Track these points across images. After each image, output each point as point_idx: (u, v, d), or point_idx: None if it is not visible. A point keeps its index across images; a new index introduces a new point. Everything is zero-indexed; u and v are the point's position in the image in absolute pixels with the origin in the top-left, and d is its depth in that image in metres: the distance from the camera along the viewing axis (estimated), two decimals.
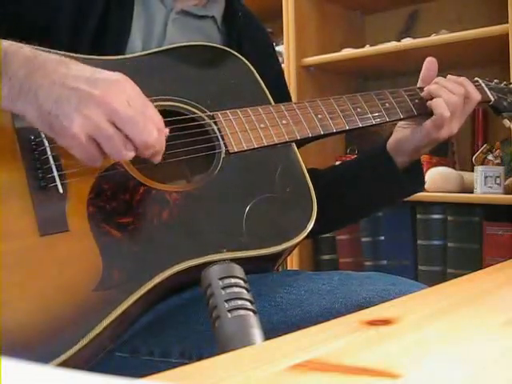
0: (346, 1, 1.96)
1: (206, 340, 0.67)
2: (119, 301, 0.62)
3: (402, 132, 0.91)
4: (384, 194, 0.95)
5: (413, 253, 1.72)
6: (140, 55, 0.81)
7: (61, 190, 0.67)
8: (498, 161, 1.60)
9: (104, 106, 0.61)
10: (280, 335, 0.39)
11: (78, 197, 0.67)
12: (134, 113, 0.62)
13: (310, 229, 0.72)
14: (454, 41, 1.54)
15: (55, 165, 0.68)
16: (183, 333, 0.71)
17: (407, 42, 1.67)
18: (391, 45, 1.69)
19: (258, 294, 0.65)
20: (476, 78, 0.94)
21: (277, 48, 1.27)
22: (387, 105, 0.87)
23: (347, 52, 1.80)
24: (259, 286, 0.72)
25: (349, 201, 0.96)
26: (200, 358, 0.67)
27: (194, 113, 0.77)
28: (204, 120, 0.77)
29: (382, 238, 1.79)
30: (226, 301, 0.48)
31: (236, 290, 0.49)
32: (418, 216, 1.69)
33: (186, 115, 0.77)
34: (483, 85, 0.94)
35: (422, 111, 0.88)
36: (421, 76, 0.93)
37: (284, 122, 0.80)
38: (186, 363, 0.34)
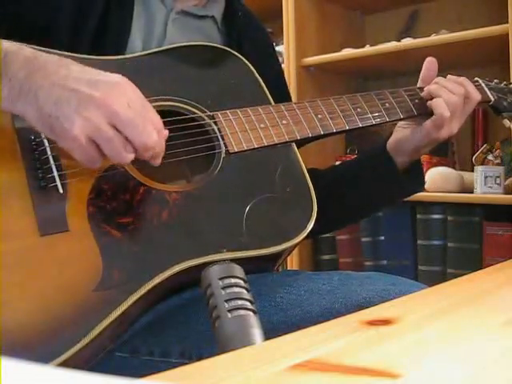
0: (346, 1, 1.96)
1: (206, 340, 0.67)
2: (119, 301, 0.62)
3: (402, 132, 0.91)
4: (384, 194, 0.95)
5: (413, 253, 1.72)
6: (140, 55, 0.81)
7: (61, 190, 0.67)
8: (498, 161, 1.60)
9: (104, 108, 0.61)
10: (280, 335, 0.39)
11: (78, 197, 0.67)
12: (133, 115, 0.62)
13: (310, 229, 0.72)
14: (454, 41, 1.54)
15: (55, 165, 0.68)
16: (183, 333, 0.71)
17: (407, 41, 1.67)
18: (391, 45, 1.69)
19: (258, 294, 0.65)
20: (476, 78, 0.94)
21: (277, 48, 1.27)
22: (387, 105, 0.87)
23: (347, 52, 1.80)
24: (259, 286, 0.72)
25: (349, 201, 0.96)
26: (200, 358, 0.67)
27: (194, 113, 0.77)
28: (204, 120, 0.77)
29: (382, 238, 1.79)
30: (226, 301, 0.48)
31: (236, 289, 0.49)
32: (418, 216, 1.69)
33: (186, 115, 0.77)
34: (483, 85, 0.94)
35: (422, 111, 0.88)
36: (421, 76, 0.93)
37: (284, 122, 0.80)
38: (186, 363, 0.34)
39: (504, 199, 1.50)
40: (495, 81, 0.97)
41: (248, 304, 0.48)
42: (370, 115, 0.85)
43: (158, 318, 0.73)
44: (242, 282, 0.50)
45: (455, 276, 0.78)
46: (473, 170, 1.58)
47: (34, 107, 0.61)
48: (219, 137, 0.76)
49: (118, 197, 0.69)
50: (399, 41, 1.71)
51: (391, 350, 0.37)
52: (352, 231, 1.85)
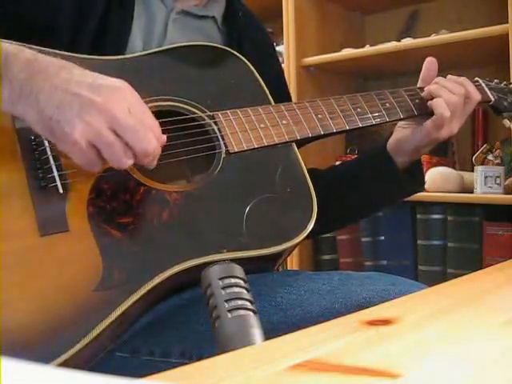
0: (346, 1, 1.96)
1: (206, 340, 0.67)
2: (119, 301, 0.62)
3: (402, 132, 0.91)
4: (384, 194, 0.95)
5: (413, 253, 1.72)
6: (140, 55, 0.81)
7: (61, 190, 0.67)
8: (498, 161, 1.60)
9: (105, 113, 0.61)
10: (280, 335, 0.39)
11: (78, 197, 0.67)
12: (134, 121, 0.63)
13: (310, 229, 0.72)
14: (454, 41, 1.54)
15: (55, 165, 0.68)
16: (183, 333, 0.71)
17: (407, 41, 1.67)
18: (391, 45, 1.69)
19: (258, 294, 0.65)
20: (476, 78, 0.94)
21: (277, 48, 1.27)
22: (387, 105, 0.87)
23: (347, 52, 1.80)
24: (259, 286, 0.72)
25: (349, 201, 0.96)
26: (200, 358, 0.67)
27: (194, 113, 0.77)
28: (204, 120, 0.77)
29: (382, 238, 1.79)
30: (226, 301, 0.48)
31: (236, 290, 0.49)
32: (418, 216, 1.69)
33: (186, 115, 0.77)
34: (483, 85, 0.94)
35: (423, 111, 0.88)
36: (421, 76, 0.93)
37: (284, 121, 0.80)
38: (186, 363, 0.34)
39: (504, 199, 1.50)
40: (495, 81, 0.97)
41: (248, 304, 0.48)
42: (370, 115, 0.85)
43: (158, 318, 0.73)
44: (242, 282, 0.50)
45: (455, 276, 0.78)
46: (473, 170, 1.58)
47: (35, 110, 0.61)
48: (219, 137, 0.76)
49: (118, 197, 0.69)
50: (399, 41, 1.71)
51: (391, 350, 0.37)
52: (352, 231, 1.85)
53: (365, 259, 1.83)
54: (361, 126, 0.84)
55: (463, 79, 0.89)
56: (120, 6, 0.84)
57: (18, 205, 0.65)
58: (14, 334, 0.58)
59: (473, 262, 1.57)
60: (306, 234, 0.71)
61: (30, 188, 0.66)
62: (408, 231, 1.74)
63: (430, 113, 0.86)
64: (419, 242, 1.69)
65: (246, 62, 0.85)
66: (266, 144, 0.77)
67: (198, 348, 0.69)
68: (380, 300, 0.66)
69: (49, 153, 0.68)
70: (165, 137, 0.67)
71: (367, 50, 1.75)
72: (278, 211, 0.74)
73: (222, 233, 0.70)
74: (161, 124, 0.68)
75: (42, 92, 0.61)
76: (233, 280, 0.50)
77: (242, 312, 0.47)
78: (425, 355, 0.35)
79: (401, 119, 0.89)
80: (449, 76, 0.90)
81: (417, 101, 0.89)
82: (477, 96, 0.88)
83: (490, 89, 0.94)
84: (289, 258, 1.83)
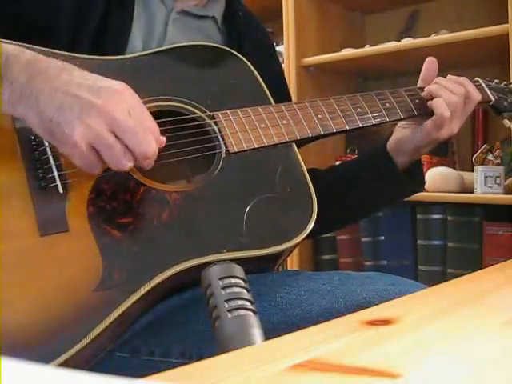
0: (346, 1, 1.96)
1: (206, 340, 0.67)
2: (119, 301, 0.62)
3: (402, 132, 0.91)
4: (384, 194, 0.95)
5: (413, 253, 1.72)
6: (140, 55, 0.81)
7: (61, 190, 0.67)
8: (498, 161, 1.60)
9: (105, 115, 0.61)
10: (280, 335, 0.39)
11: (79, 197, 0.67)
12: (134, 123, 0.63)
13: (310, 229, 0.72)
14: (454, 41, 1.54)
15: (55, 165, 0.68)
16: (183, 333, 0.71)
17: (407, 41, 1.67)
18: (391, 45, 1.69)
19: (258, 294, 0.65)
20: (476, 78, 0.94)
21: (277, 48, 1.27)
22: (387, 105, 0.87)
23: (347, 52, 1.80)
24: (259, 286, 0.72)
25: (349, 201, 0.96)
26: (200, 358, 0.67)
27: (194, 113, 0.77)
28: (204, 120, 0.77)
29: (382, 238, 1.79)
30: (226, 301, 0.48)
31: (236, 290, 0.49)
32: (418, 216, 1.69)
33: (187, 115, 0.77)
34: (483, 85, 0.94)
35: (423, 111, 0.88)
36: (421, 76, 0.93)
37: (284, 121, 0.80)
38: (186, 363, 0.34)
39: (504, 199, 1.50)
40: (495, 81, 0.97)
41: (248, 304, 0.48)
42: (370, 115, 0.85)
43: (158, 318, 0.73)
44: (242, 282, 0.50)
45: (455, 276, 0.78)
46: (473, 170, 1.58)
47: (35, 111, 0.61)
48: (219, 137, 0.76)
49: (118, 197, 0.69)
50: (399, 41, 1.71)
51: (391, 350, 0.37)
52: (352, 231, 1.85)
53: (365, 259, 1.83)
54: (361, 125, 0.84)
55: (463, 79, 0.89)
56: (120, 6, 0.84)
57: (18, 205, 0.65)
58: (14, 334, 0.58)
59: (473, 262, 1.57)
60: (306, 234, 0.71)
61: (30, 188, 0.66)
62: (408, 231, 1.74)
63: (430, 113, 0.87)
64: (419, 242, 1.69)
65: (246, 61, 0.85)
66: (266, 144, 0.77)
67: (197, 348, 0.69)
68: (380, 300, 0.66)
69: (49, 153, 0.68)
70: (164, 139, 0.67)
71: (367, 49, 1.75)
72: (278, 211, 0.74)
73: (222, 233, 0.70)
74: (161, 124, 0.68)
75: (42, 94, 0.61)
76: (233, 280, 0.50)
77: (242, 312, 0.47)
78: (425, 355, 0.35)
79: (401, 119, 0.89)
80: (449, 76, 0.90)
81: (417, 101, 0.89)
82: (477, 96, 0.88)
83: (490, 89, 0.94)
84: (289, 258, 1.83)
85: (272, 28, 1.89)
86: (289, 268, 1.84)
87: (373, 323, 0.41)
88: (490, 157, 1.61)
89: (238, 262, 0.53)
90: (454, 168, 1.73)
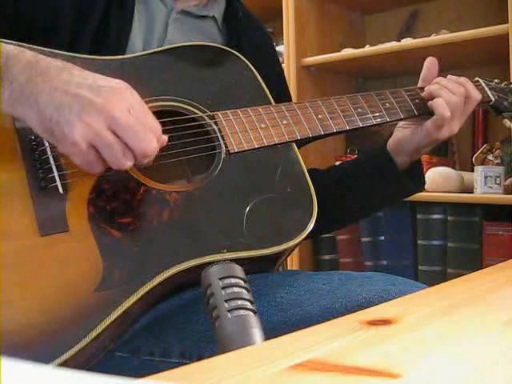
0: (346, 1, 1.96)
1: (206, 340, 0.67)
2: (120, 301, 0.62)
3: (402, 132, 0.91)
4: (384, 194, 0.95)
5: (413, 253, 1.72)
6: (140, 55, 0.81)
7: (61, 191, 0.67)
8: (498, 161, 1.60)
9: (105, 114, 0.61)
10: (280, 335, 0.39)
11: (79, 197, 0.67)
12: (134, 122, 0.63)
13: (310, 229, 0.72)
14: (454, 41, 1.54)
15: (55, 165, 0.68)
16: (183, 333, 0.71)
17: (407, 42, 1.67)
18: (391, 45, 1.69)
19: (258, 294, 0.65)
20: (477, 78, 0.94)
21: (277, 48, 1.27)
22: (388, 105, 0.87)
23: (347, 52, 1.80)
24: (259, 286, 0.72)
25: (349, 201, 0.96)
26: (200, 358, 0.67)
27: (195, 113, 0.77)
28: (204, 120, 0.77)
29: (382, 238, 1.79)
30: (226, 301, 0.48)
31: (236, 289, 0.49)
32: (418, 216, 1.69)
33: (187, 115, 0.77)
34: (484, 85, 0.94)
35: (423, 111, 0.88)
36: (421, 76, 0.93)
37: (284, 122, 0.80)
38: (186, 363, 0.34)
39: (504, 199, 1.50)
40: (495, 81, 0.97)
41: (248, 304, 0.48)
42: (370, 115, 0.85)
43: (159, 318, 0.73)
44: (242, 282, 0.50)
45: (455, 276, 0.78)
46: (473, 170, 1.58)
47: (35, 111, 0.61)
48: (219, 137, 0.76)
49: (118, 197, 0.69)
50: (399, 41, 1.71)
51: (391, 350, 0.37)
52: (352, 231, 1.85)
53: (365, 259, 1.83)
54: (361, 126, 0.84)
55: (463, 79, 0.89)
56: (120, 6, 0.84)
57: (18, 205, 0.65)
58: (14, 334, 0.58)
59: (473, 262, 1.57)
60: (306, 234, 0.71)
61: (30, 188, 0.66)
62: (408, 231, 1.74)
63: (430, 113, 0.87)
64: (419, 242, 1.69)
65: (246, 61, 0.85)
66: (266, 144, 0.77)
67: (197, 348, 0.69)
68: (380, 300, 0.66)
69: (49, 153, 0.68)
70: (166, 137, 0.67)
71: (367, 49, 1.75)
72: (278, 211, 0.74)
73: (222, 233, 0.70)
74: (161, 124, 0.68)
75: (42, 93, 0.61)
76: (233, 280, 0.50)
77: (242, 312, 0.47)
78: (425, 355, 0.35)
79: (401, 119, 0.89)
80: (449, 76, 0.90)
81: (417, 101, 0.89)
82: (477, 96, 0.88)
83: (490, 89, 0.94)
84: (289, 258, 1.83)
85: (272, 28, 1.89)
86: (289, 268, 1.84)
87: (373, 323, 0.41)
88: (490, 157, 1.61)
89: (238, 262, 0.53)
90: (454, 168, 1.73)
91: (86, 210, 0.67)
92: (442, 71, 0.93)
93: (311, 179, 0.76)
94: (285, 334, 0.39)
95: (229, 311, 0.47)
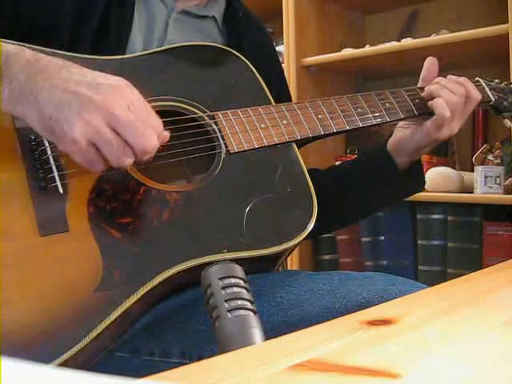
0: (346, 1, 1.96)
1: (206, 340, 0.67)
2: (120, 301, 0.62)
3: (402, 132, 0.91)
4: (384, 194, 0.95)
5: (413, 253, 1.72)
6: (141, 55, 0.81)
7: (61, 190, 0.67)
8: (498, 161, 1.60)
9: (104, 111, 0.61)
10: (280, 335, 0.39)
11: (79, 197, 0.67)
12: (133, 118, 0.62)
13: (310, 229, 0.72)
14: (454, 41, 1.54)
15: (55, 165, 0.68)
16: (183, 333, 0.71)
17: (407, 41, 1.67)
18: (391, 45, 1.69)
19: (258, 294, 0.65)
20: (477, 78, 0.94)
21: (277, 48, 1.27)
22: (388, 105, 0.87)
23: (347, 52, 1.80)
24: (259, 286, 0.72)
25: (349, 201, 0.96)
26: (200, 358, 0.67)
27: (195, 113, 0.77)
28: (204, 120, 0.77)
29: (382, 238, 1.79)
30: (226, 301, 0.48)
31: (236, 289, 0.49)
32: (418, 216, 1.69)
33: (187, 115, 0.77)
34: (484, 85, 0.94)
35: (423, 111, 0.88)
36: (421, 76, 0.93)
37: (284, 122, 0.80)
38: (186, 363, 0.34)
39: (504, 199, 1.50)
40: (496, 81, 0.97)
41: (248, 304, 0.48)
42: (370, 115, 0.85)
43: (159, 318, 0.73)
44: (242, 282, 0.50)
45: (455, 276, 0.78)
46: (473, 170, 1.58)
47: (35, 109, 0.61)
48: (219, 137, 0.76)
49: (118, 197, 0.69)
50: (399, 41, 1.71)
51: (391, 350, 0.37)
52: (352, 231, 1.85)
53: (365, 259, 1.83)
54: (361, 126, 0.84)
55: (463, 79, 0.89)
56: (120, 6, 0.84)
57: (18, 205, 0.65)
58: (14, 334, 0.58)
59: (473, 262, 1.57)
60: (306, 234, 0.71)
61: (30, 188, 0.66)
62: (408, 231, 1.74)
63: (430, 113, 0.87)
64: (419, 242, 1.69)
65: (247, 61, 0.85)
66: (266, 144, 0.77)
67: (197, 348, 0.69)
68: (380, 300, 0.66)
69: (49, 153, 0.68)
70: (167, 133, 0.67)
71: (367, 49, 1.75)
72: (278, 211, 0.74)
73: (222, 233, 0.70)
74: None
75: (41, 91, 0.61)
76: (233, 280, 0.50)
77: (242, 312, 0.47)
78: (425, 355, 0.35)
79: (401, 119, 0.89)
80: (449, 76, 0.90)
81: (417, 101, 0.89)
82: (477, 96, 0.88)
83: (490, 89, 0.94)
84: (289, 258, 1.83)
85: (272, 28, 1.89)
86: (289, 268, 1.84)
87: (373, 323, 0.41)
88: (490, 157, 1.61)
89: (239, 262, 0.53)
90: (454, 168, 1.73)
91: (86, 210, 0.67)
92: (442, 71, 0.93)
93: (311, 179, 0.76)
94: (285, 333, 0.39)
95: (229, 311, 0.47)
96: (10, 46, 0.65)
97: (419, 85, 0.92)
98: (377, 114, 0.86)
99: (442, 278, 1.62)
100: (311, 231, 0.72)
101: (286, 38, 1.86)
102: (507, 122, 0.97)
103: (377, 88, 0.95)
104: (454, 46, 1.55)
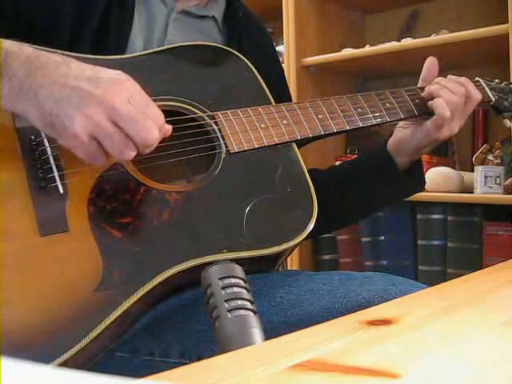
0: (346, 1, 1.96)
1: (206, 340, 0.67)
2: (120, 301, 0.62)
3: (402, 132, 0.91)
4: (384, 194, 0.95)
5: (413, 253, 1.72)
6: (141, 55, 0.81)
7: (61, 190, 0.67)
8: (498, 161, 1.60)
9: (105, 104, 0.61)
10: (280, 335, 0.39)
11: (79, 197, 0.67)
12: (134, 111, 0.62)
13: (310, 229, 0.72)
14: (454, 41, 1.54)
15: (55, 165, 0.68)
16: (183, 333, 0.71)
17: (407, 41, 1.67)
18: (391, 45, 1.69)
19: (258, 294, 0.65)
20: (477, 78, 0.94)
21: (277, 48, 1.27)
22: (388, 105, 0.87)
23: (347, 52, 1.80)
24: (259, 286, 0.72)
25: (349, 201, 0.96)
26: (200, 358, 0.67)
27: (195, 113, 0.77)
28: (204, 120, 0.77)
29: (382, 238, 1.79)
30: (226, 301, 0.48)
31: (236, 289, 0.49)
32: (418, 216, 1.69)
33: (187, 115, 0.77)
34: (484, 85, 0.94)
35: (423, 111, 0.88)
36: (421, 76, 0.93)
37: (285, 122, 0.80)
38: (186, 363, 0.34)
39: (504, 199, 1.50)
40: (496, 81, 0.97)
41: (248, 304, 0.48)
42: (370, 115, 0.85)
43: (159, 318, 0.73)
44: (242, 282, 0.50)
45: (455, 276, 0.78)
46: (473, 170, 1.58)
47: (35, 105, 0.61)
48: (220, 137, 0.76)
49: (118, 197, 0.69)
50: (399, 41, 1.71)
51: (391, 350, 0.37)
52: (352, 231, 1.85)
53: (365, 259, 1.83)
54: (361, 125, 0.84)
55: (464, 79, 0.89)
56: (120, 6, 0.84)
57: (18, 205, 0.65)
58: (14, 334, 0.58)
59: (473, 262, 1.57)
60: (306, 235, 0.71)
61: (30, 188, 0.66)
62: (408, 231, 1.74)
63: (430, 113, 0.87)
64: (419, 242, 1.69)
65: (247, 61, 0.85)
66: (266, 144, 0.77)
67: (197, 348, 0.69)
68: (380, 300, 0.66)
69: (49, 153, 0.68)
70: (170, 127, 0.67)
71: (367, 49, 1.75)
72: (278, 211, 0.74)
73: (222, 233, 0.70)
74: None
75: (41, 87, 0.61)
76: (233, 280, 0.50)
77: (242, 312, 0.47)
78: (425, 355, 0.35)
79: (401, 119, 0.89)
80: (449, 76, 0.90)
81: (417, 101, 0.89)
82: (477, 96, 0.88)
83: (490, 89, 0.94)
84: (289, 258, 1.83)
85: (272, 28, 1.89)
86: (289, 268, 1.84)
87: (373, 323, 0.41)
88: (490, 157, 1.61)
89: (239, 262, 0.53)
90: (454, 168, 1.73)
91: (86, 209, 0.67)
92: (442, 71, 0.93)
93: (311, 179, 0.76)
94: (285, 333, 0.39)
95: (229, 311, 0.47)
96: (9, 44, 0.65)
97: (419, 85, 0.92)
98: (377, 114, 0.86)
99: (442, 278, 1.62)
100: (311, 231, 0.72)
101: (286, 38, 1.86)
102: (507, 122, 0.97)
103: (377, 88, 0.95)
104: (454, 46, 1.55)
